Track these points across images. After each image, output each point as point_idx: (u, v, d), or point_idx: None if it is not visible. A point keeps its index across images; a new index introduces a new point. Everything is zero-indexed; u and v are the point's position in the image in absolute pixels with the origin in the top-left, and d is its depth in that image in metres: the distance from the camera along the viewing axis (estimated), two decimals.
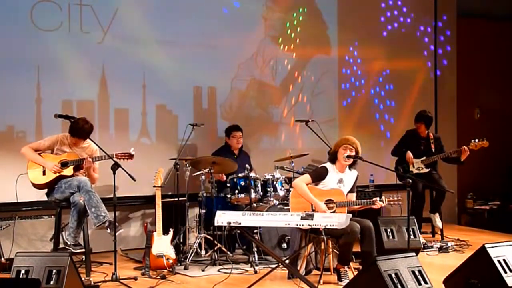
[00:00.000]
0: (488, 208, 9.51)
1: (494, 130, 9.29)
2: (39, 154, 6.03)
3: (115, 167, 5.63)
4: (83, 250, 5.91)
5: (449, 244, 7.30)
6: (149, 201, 7.13)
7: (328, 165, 5.91)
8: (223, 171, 7.03)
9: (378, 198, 5.75)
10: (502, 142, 9.52)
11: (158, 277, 5.94)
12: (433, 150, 7.73)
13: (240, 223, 4.94)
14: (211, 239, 6.56)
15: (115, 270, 5.69)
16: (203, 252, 6.72)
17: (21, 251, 5.26)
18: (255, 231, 6.49)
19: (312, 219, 4.83)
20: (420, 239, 7.00)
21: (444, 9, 9.72)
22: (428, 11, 9.60)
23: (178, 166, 6.91)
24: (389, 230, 6.77)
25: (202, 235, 6.68)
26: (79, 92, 7.26)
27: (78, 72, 7.22)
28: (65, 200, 5.97)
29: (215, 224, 4.98)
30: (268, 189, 6.80)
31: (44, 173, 5.98)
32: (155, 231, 6.25)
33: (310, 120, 7.74)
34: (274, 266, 5.82)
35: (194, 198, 7.02)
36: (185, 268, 6.27)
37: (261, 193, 6.80)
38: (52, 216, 6.43)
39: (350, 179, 5.90)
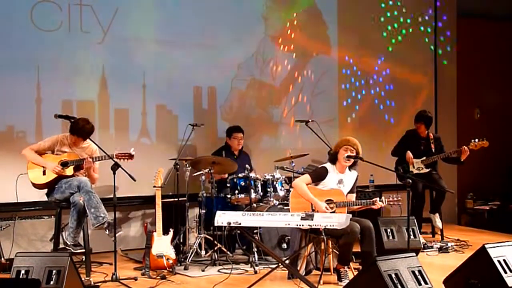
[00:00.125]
0: (488, 208, 9.51)
1: (494, 130, 9.29)
2: (40, 155, 6.03)
3: (115, 167, 5.63)
4: (83, 250, 5.91)
5: (449, 244, 7.30)
6: (149, 201, 7.12)
7: (328, 165, 5.91)
8: (223, 171, 7.02)
9: (378, 198, 5.76)
10: (502, 142, 9.52)
11: (158, 277, 5.94)
12: (433, 150, 7.73)
13: (240, 223, 4.94)
14: (211, 239, 6.56)
15: (115, 270, 5.69)
16: (203, 252, 6.72)
17: (21, 251, 5.26)
18: (255, 231, 6.49)
19: (312, 219, 4.83)
20: (420, 239, 7.00)
21: (444, 9, 9.72)
22: (428, 11, 9.60)
23: (178, 166, 6.91)
24: (389, 230, 6.77)
25: (202, 235, 6.68)
26: (79, 92, 7.26)
27: (78, 72, 7.22)
28: (65, 200, 5.97)
29: (215, 224, 4.98)
30: (268, 189, 6.79)
31: (44, 173, 5.98)
32: (155, 231, 6.25)
33: (310, 120, 7.73)
34: (274, 266, 5.82)
35: (194, 198, 7.01)
36: (185, 268, 6.27)
37: (261, 193, 6.79)
38: (52, 216, 6.43)
39: (350, 180, 5.90)
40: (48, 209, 6.53)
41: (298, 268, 5.77)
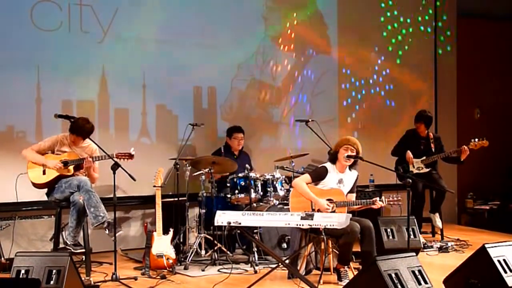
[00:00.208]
0: (488, 208, 9.51)
1: (494, 130, 9.28)
2: (40, 155, 6.04)
3: (115, 167, 5.63)
4: (83, 250, 5.91)
5: (449, 244, 7.30)
6: (149, 201, 7.12)
7: (328, 165, 5.91)
8: (223, 171, 7.03)
9: (378, 198, 5.75)
10: (502, 142, 9.52)
11: (158, 277, 5.93)
12: (433, 150, 7.73)
13: (240, 223, 4.93)
14: (211, 239, 6.56)
15: (115, 270, 5.69)
16: (203, 252, 6.72)
17: (21, 251, 5.26)
18: (255, 231, 6.49)
19: (312, 219, 4.83)
20: (420, 239, 7.00)
21: (444, 9, 9.73)
22: (428, 11, 9.60)
23: (178, 166, 6.91)
24: (389, 230, 6.77)
25: (202, 235, 6.68)
26: (79, 92, 7.26)
27: (78, 72, 7.22)
28: (65, 200, 5.97)
29: (215, 224, 4.98)
30: (268, 189, 6.79)
31: (44, 172, 5.99)
32: (155, 231, 6.25)
33: (310, 120, 7.73)
34: (274, 266, 5.82)
35: (194, 198, 7.01)
36: (185, 268, 6.27)
37: (261, 193, 6.79)
38: (52, 216, 6.43)
39: (350, 180, 5.90)
40: (48, 208, 6.53)
41: (298, 268, 5.77)
